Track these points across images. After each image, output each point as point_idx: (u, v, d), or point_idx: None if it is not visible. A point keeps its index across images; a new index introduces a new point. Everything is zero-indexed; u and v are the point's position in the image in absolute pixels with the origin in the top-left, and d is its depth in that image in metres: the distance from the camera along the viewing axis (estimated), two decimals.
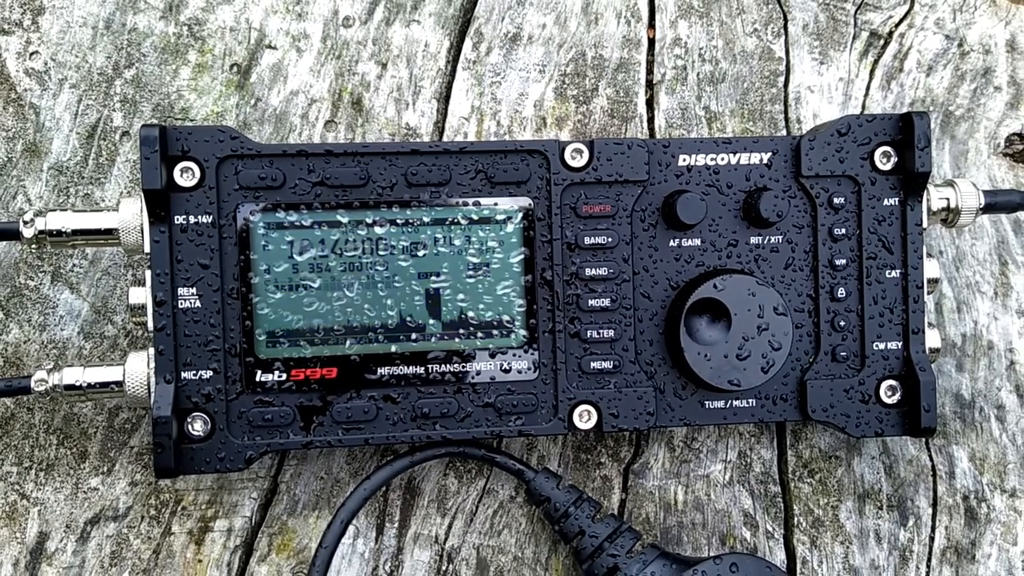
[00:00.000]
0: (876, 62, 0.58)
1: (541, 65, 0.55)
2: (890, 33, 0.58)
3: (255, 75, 0.53)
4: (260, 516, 0.47)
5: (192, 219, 0.44)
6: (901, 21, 0.59)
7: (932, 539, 0.50)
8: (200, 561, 0.46)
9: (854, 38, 0.58)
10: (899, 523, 0.50)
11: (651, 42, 0.57)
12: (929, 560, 0.50)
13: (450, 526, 0.48)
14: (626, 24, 0.57)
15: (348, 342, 0.45)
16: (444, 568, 0.47)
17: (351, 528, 0.47)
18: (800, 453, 0.51)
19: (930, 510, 0.50)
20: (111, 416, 0.48)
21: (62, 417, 0.47)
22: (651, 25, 0.57)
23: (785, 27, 0.58)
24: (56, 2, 0.53)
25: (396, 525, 0.48)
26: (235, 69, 0.53)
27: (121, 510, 0.47)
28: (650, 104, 0.56)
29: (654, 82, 0.56)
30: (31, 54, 0.52)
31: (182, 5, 0.54)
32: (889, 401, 0.47)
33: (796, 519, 0.50)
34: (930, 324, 0.49)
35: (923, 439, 0.51)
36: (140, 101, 0.52)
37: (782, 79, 0.57)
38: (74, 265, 0.50)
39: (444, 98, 0.54)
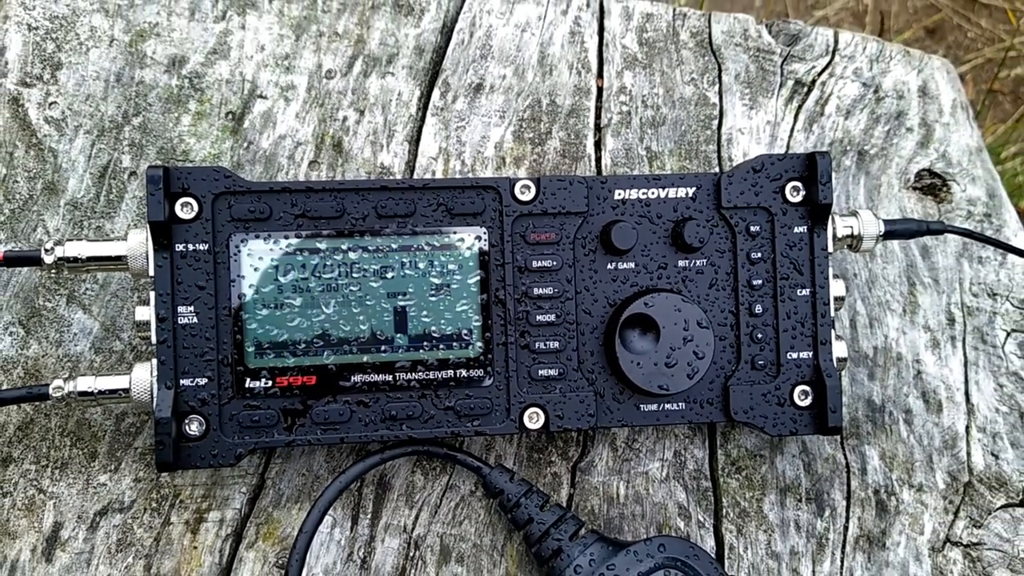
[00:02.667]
0: (800, 107, 0.65)
1: (501, 111, 0.62)
2: (813, 81, 0.66)
3: (248, 121, 0.60)
4: (249, 508, 0.53)
5: (191, 247, 0.51)
6: (823, 71, 0.66)
7: (846, 528, 0.56)
8: (195, 547, 0.52)
9: (780, 86, 0.65)
10: (816, 514, 0.56)
11: (599, 90, 0.64)
12: (844, 547, 0.56)
13: (417, 517, 0.54)
14: (577, 74, 0.64)
15: (326, 353, 0.51)
16: (411, 554, 0.53)
17: (329, 519, 0.53)
18: (729, 452, 0.57)
19: (844, 503, 0.57)
20: (118, 421, 0.54)
21: (75, 422, 0.54)
22: (600, 75, 0.64)
23: (719, 76, 0.65)
24: (73, 59, 0.60)
25: (369, 516, 0.54)
26: (230, 116, 0.60)
27: (126, 503, 0.53)
28: (598, 145, 0.63)
29: (602, 125, 0.63)
30: (50, 104, 0.59)
31: (184, 60, 0.61)
32: (802, 404, 0.54)
33: (725, 510, 0.56)
34: (838, 337, 0.55)
35: (837, 439, 0.58)
36: (146, 145, 0.59)
37: (716, 122, 0.64)
38: (87, 289, 0.56)
39: (415, 141, 0.61)
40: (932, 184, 0.64)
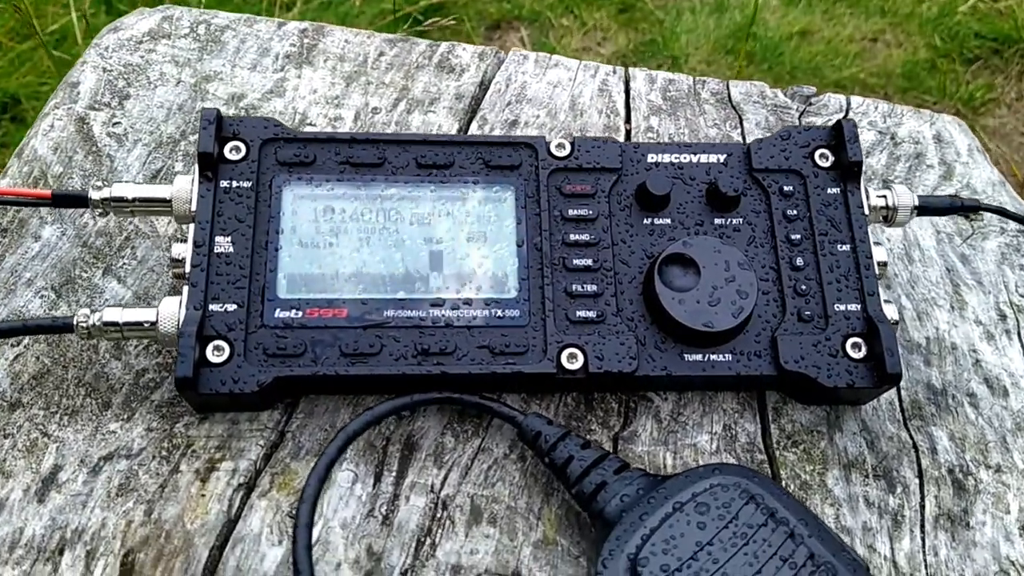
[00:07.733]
0: None
1: None
2: None
3: None
4: (265, 462, 0.49)
5: (235, 183, 0.52)
6: None
7: (923, 506, 0.50)
8: (203, 495, 0.47)
9: None
10: (887, 491, 0.51)
11: (628, 132, 0.68)
12: (923, 525, 0.49)
13: (446, 477, 0.49)
14: (607, 117, 0.68)
15: (359, 288, 0.50)
16: (439, 514, 0.48)
17: (350, 474, 0.49)
18: (783, 427, 0.53)
19: (917, 480, 0.51)
20: (137, 376, 0.52)
21: (93, 374, 0.52)
22: (627, 120, 0.68)
23: (741, 123, 0.69)
24: (140, 92, 0.65)
25: (393, 475, 0.49)
26: None
27: (135, 450, 0.49)
28: None
29: None
30: (114, 123, 0.63)
31: (242, 96, 0.66)
32: (856, 356, 0.51)
33: (784, 482, 0.50)
34: (887, 300, 0.53)
35: (900, 419, 0.53)
36: None
37: None
38: (124, 263, 0.56)
39: None
40: None
